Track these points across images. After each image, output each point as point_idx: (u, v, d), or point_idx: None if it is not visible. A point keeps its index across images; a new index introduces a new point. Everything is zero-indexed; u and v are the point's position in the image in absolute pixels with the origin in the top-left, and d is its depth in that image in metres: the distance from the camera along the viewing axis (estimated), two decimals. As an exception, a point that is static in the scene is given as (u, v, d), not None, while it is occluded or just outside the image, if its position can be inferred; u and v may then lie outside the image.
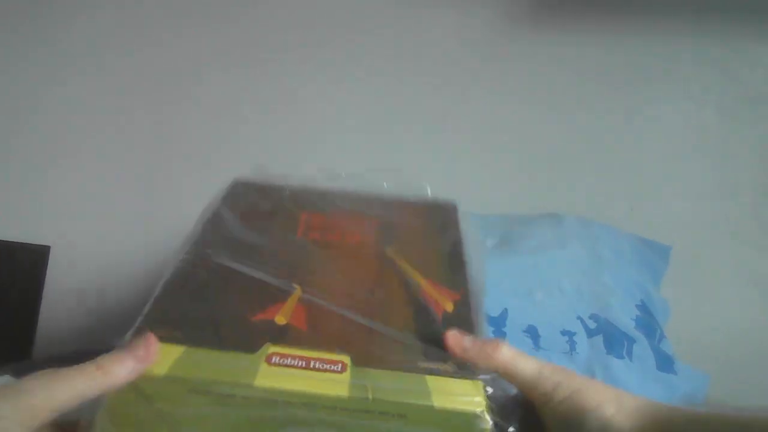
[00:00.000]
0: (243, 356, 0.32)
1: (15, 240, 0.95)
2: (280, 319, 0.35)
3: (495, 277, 0.64)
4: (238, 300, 0.36)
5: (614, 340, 0.58)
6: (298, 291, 0.37)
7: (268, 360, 0.32)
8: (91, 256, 0.96)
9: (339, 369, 0.32)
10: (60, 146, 0.96)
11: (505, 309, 0.60)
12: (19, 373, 0.51)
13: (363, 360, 0.33)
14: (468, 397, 0.32)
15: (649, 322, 0.64)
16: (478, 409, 0.31)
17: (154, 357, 0.31)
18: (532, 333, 0.58)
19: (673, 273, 0.78)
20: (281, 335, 0.34)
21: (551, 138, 0.91)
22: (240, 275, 0.39)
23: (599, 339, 0.58)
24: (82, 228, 0.96)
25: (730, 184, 0.90)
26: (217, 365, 0.32)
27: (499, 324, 0.59)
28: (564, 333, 0.58)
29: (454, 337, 0.34)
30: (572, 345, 0.57)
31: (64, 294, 0.96)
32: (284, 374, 0.32)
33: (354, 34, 0.90)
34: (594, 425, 0.30)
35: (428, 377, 0.32)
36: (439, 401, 0.31)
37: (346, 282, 0.40)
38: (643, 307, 0.66)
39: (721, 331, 0.89)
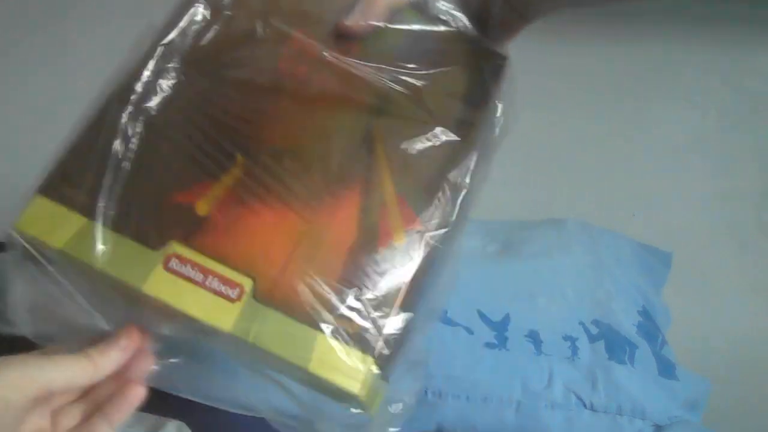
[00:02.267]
0: (142, 250, 0.30)
1: None
2: (201, 208, 0.31)
3: (497, 282, 0.64)
4: (165, 168, 0.32)
5: (616, 346, 0.58)
6: (236, 170, 0.32)
7: (166, 263, 0.30)
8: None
9: (234, 296, 0.30)
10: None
11: (507, 314, 0.60)
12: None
13: (265, 291, 0.30)
14: (348, 373, 0.29)
15: (650, 327, 0.64)
16: (352, 390, 0.29)
17: (136, 345, 0.32)
18: (534, 338, 0.58)
19: (674, 279, 0.78)
20: (194, 229, 0.31)
21: (553, 144, 0.91)
22: (178, 131, 0.32)
23: (601, 344, 0.58)
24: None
25: (732, 190, 0.90)
26: (112, 254, 0.30)
27: (500, 329, 0.59)
28: (566, 338, 0.58)
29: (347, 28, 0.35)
30: (574, 350, 0.58)
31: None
32: (175, 286, 0.30)
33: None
34: None
35: (319, 336, 0.30)
36: (317, 366, 0.29)
37: (302, 167, 0.33)
38: (645, 313, 0.66)
39: (723, 336, 0.89)
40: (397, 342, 0.31)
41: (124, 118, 0.32)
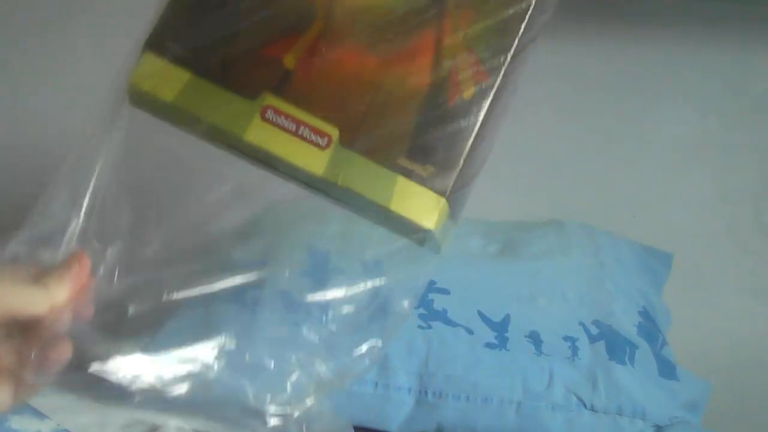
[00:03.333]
0: (242, 102, 0.33)
1: None
2: (289, 61, 0.34)
3: (497, 283, 0.64)
4: (253, 23, 0.34)
5: (616, 346, 0.58)
6: (318, 23, 0.34)
7: (263, 114, 0.33)
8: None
9: (324, 144, 0.33)
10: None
11: (508, 315, 0.60)
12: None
13: (350, 138, 0.33)
14: (425, 210, 0.33)
15: (651, 328, 0.64)
16: (427, 226, 0.33)
17: (86, 273, 0.33)
18: (535, 339, 0.58)
19: (674, 280, 0.78)
20: (284, 82, 0.34)
21: (554, 145, 0.91)
22: None
23: (601, 345, 0.58)
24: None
25: (732, 192, 0.91)
26: (216, 104, 0.33)
27: (501, 329, 0.59)
28: (566, 339, 0.59)
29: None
30: (574, 351, 0.58)
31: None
32: (272, 134, 0.33)
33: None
34: None
35: (399, 177, 0.33)
36: (396, 205, 0.33)
37: (377, 19, 0.34)
38: (645, 314, 0.66)
39: (723, 337, 0.89)
40: (464, 185, 0.35)
41: None
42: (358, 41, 0.34)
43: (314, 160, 0.33)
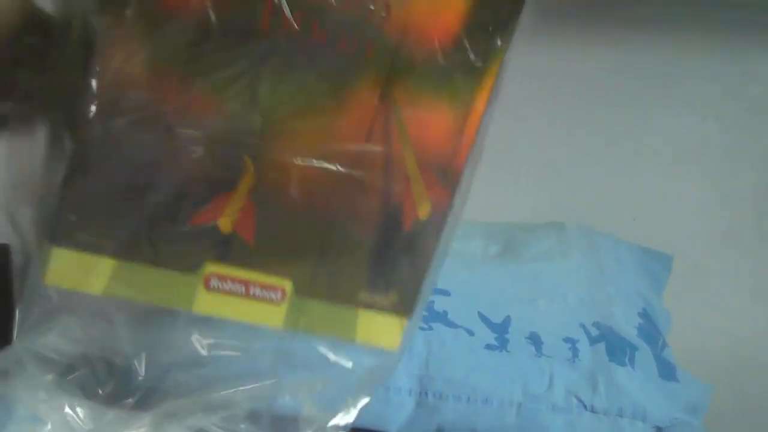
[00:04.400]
0: (180, 277, 0.30)
1: None
2: (224, 224, 0.30)
3: (497, 285, 0.64)
4: (172, 187, 0.29)
5: (616, 348, 0.58)
6: (248, 177, 0.29)
7: (207, 283, 0.31)
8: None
9: (278, 298, 0.32)
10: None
11: (508, 316, 0.60)
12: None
13: (305, 286, 0.32)
14: (390, 334, 0.34)
15: (651, 330, 0.64)
16: (394, 347, 0.34)
17: None
18: (535, 340, 0.58)
19: (675, 282, 0.79)
20: (224, 246, 0.30)
21: (554, 148, 0.92)
22: (169, 139, 0.28)
23: (601, 346, 0.58)
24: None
25: (732, 195, 0.91)
26: (153, 286, 0.30)
27: (501, 331, 0.59)
28: (566, 340, 0.59)
29: None
30: (575, 352, 0.58)
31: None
32: (221, 301, 0.31)
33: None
34: None
35: (361, 311, 0.33)
36: (362, 336, 0.33)
37: (319, 151, 0.30)
38: (645, 316, 0.66)
39: (723, 340, 0.89)
40: (422, 297, 0.35)
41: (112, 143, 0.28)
42: (298, 184, 0.30)
43: (271, 316, 0.32)
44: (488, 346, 0.57)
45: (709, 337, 0.88)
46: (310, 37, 0.27)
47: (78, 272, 0.29)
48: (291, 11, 0.26)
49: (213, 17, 0.25)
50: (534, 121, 0.92)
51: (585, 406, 0.55)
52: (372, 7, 0.27)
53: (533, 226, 0.76)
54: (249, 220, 0.30)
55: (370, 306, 0.33)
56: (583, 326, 0.60)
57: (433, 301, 0.60)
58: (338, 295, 0.33)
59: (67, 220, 0.29)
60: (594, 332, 0.60)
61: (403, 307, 0.34)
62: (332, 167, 0.30)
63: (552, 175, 0.92)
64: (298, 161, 0.30)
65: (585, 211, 0.88)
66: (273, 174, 0.30)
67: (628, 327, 0.62)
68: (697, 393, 0.60)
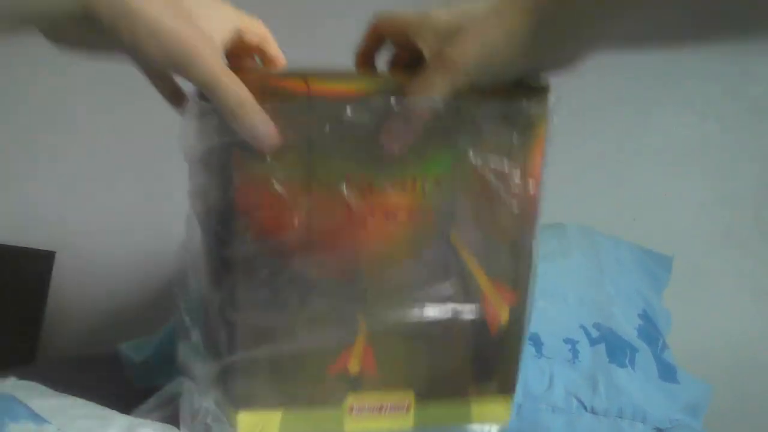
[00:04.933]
0: (331, 411, 0.39)
1: (20, 245, 0.96)
2: (353, 367, 0.39)
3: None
4: (308, 349, 0.38)
5: (616, 349, 0.58)
6: (362, 329, 0.38)
7: (350, 411, 0.39)
8: (96, 262, 0.97)
9: (405, 408, 0.40)
10: (66, 151, 0.96)
11: (508, 317, 0.60)
12: (24, 376, 0.51)
13: (424, 393, 0.40)
14: (500, 411, 0.41)
15: (651, 331, 0.64)
16: (505, 421, 0.41)
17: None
18: (535, 341, 0.58)
19: (675, 283, 0.79)
20: (356, 380, 0.39)
21: (554, 148, 0.91)
22: (297, 311, 0.37)
23: (601, 347, 0.58)
24: (87, 234, 0.97)
25: (732, 195, 0.91)
26: (312, 422, 0.39)
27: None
28: (566, 341, 0.59)
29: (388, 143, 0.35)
30: (575, 353, 0.58)
31: (69, 300, 0.96)
32: (363, 420, 0.40)
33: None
34: None
35: (473, 401, 0.40)
36: (477, 419, 0.41)
37: (409, 297, 0.38)
38: (645, 317, 0.66)
39: (723, 340, 0.89)
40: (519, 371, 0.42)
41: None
42: (399, 321, 0.38)
43: (402, 422, 0.40)
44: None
45: (709, 337, 0.88)
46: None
47: (258, 426, 0.39)
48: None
49: None
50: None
51: (585, 407, 0.55)
52: None
53: (533, 226, 0.76)
54: (369, 359, 0.39)
55: (479, 393, 0.40)
56: (583, 327, 0.60)
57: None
58: (452, 393, 0.40)
59: (243, 387, 0.38)
60: (594, 333, 0.60)
61: (506, 387, 0.41)
62: (424, 311, 0.38)
63: (552, 176, 0.92)
64: (398, 314, 0.38)
65: (585, 212, 0.88)
66: (380, 325, 0.38)
67: (628, 328, 0.62)
68: (697, 394, 0.60)
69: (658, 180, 0.92)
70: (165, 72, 0.37)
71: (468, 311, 0.39)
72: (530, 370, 0.56)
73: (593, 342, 0.59)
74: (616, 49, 0.35)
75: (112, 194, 0.96)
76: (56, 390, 0.52)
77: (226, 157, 0.34)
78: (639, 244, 0.79)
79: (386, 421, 0.40)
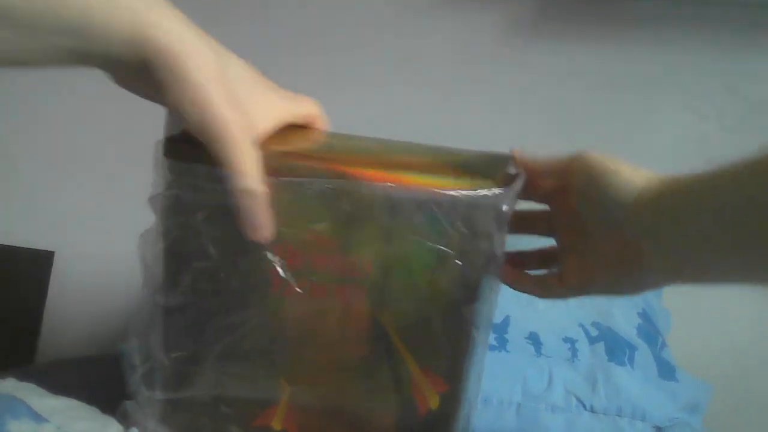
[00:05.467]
0: None
1: (19, 245, 0.96)
2: (276, 425, 0.39)
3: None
4: (235, 400, 0.39)
5: (616, 348, 0.58)
6: (287, 392, 0.39)
7: None
8: (95, 261, 0.97)
9: None
10: (65, 151, 0.96)
11: (507, 316, 0.60)
12: (23, 377, 0.51)
13: None
14: None
15: (650, 330, 0.64)
16: None
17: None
18: (534, 340, 0.58)
19: (674, 282, 0.78)
20: None
21: (552, 147, 0.91)
22: (225, 372, 0.38)
23: (601, 346, 0.58)
24: (86, 233, 0.97)
25: (732, 195, 0.90)
26: None
27: (501, 331, 0.59)
28: (566, 340, 0.59)
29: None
30: (574, 352, 0.58)
31: (68, 299, 0.96)
32: None
33: (355, 42, 0.91)
34: (614, 181, 0.35)
35: None
36: None
37: (333, 370, 0.39)
38: (645, 316, 0.66)
39: (723, 340, 0.89)
40: None
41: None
42: (325, 392, 0.39)
43: None
44: (488, 347, 0.57)
45: (710, 337, 0.88)
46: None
47: None
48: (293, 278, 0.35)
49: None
50: (532, 121, 0.92)
51: (584, 406, 0.55)
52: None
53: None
54: (292, 418, 0.39)
55: None
56: (582, 326, 0.60)
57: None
58: None
59: (172, 423, 0.40)
60: (593, 332, 0.60)
61: None
62: (350, 379, 0.38)
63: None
64: (321, 388, 0.39)
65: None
66: (303, 388, 0.39)
67: (627, 327, 0.62)
68: (696, 392, 0.60)
69: (657, 179, 0.92)
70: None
71: (395, 393, 0.38)
72: (529, 370, 0.56)
73: (592, 341, 0.59)
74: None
75: (112, 194, 0.96)
76: (56, 390, 0.52)
77: (169, 205, 0.35)
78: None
79: None
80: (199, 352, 0.38)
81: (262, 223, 0.33)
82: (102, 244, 0.97)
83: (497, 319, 0.60)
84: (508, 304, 0.61)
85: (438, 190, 0.33)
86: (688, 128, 0.90)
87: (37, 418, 0.49)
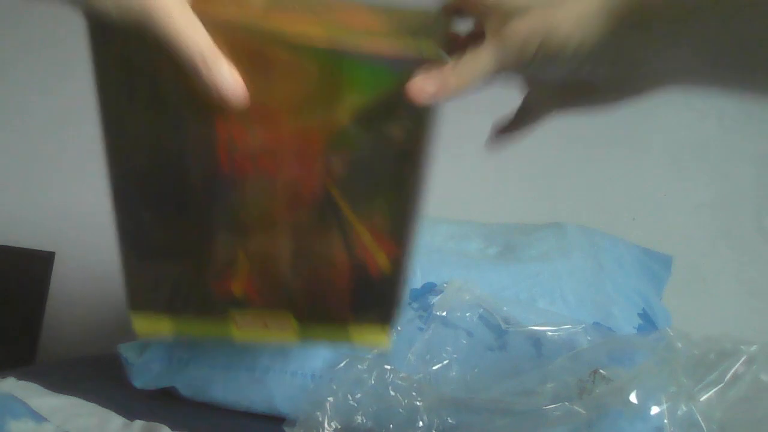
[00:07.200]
0: (217, 320, 0.44)
1: (20, 246, 0.96)
2: (237, 290, 0.43)
3: (498, 286, 0.64)
4: (195, 264, 0.42)
5: (616, 348, 0.58)
6: (244, 262, 0.41)
7: (236, 323, 0.44)
8: (95, 261, 0.97)
9: (288, 325, 0.44)
10: (65, 152, 0.96)
11: (507, 317, 0.60)
12: (23, 377, 0.51)
13: (303, 316, 0.44)
14: (377, 339, 0.45)
15: (650, 330, 0.64)
16: (385, 346, 0.46)
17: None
18: (535, 341, 0.58)
19: (674, 282, 0.79)
20: (241, 302, 0.43)
21: (554, 148, 0.92)
22: (184, 231, 0.40)
23: (601, 346, 0.58)
24: (86, 234, 0.97)
25: (731, 195, 0.91)
26: (202, 327, 0.44)
27: (501, 331, 0.59)
28: (566, 340, 0.58)
29: (416, 91, 0.33)
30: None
31: (69, 300, 0.97)
32: (249, 332, 0.45)
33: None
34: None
35: (351, 325, 0.44)
36: (356, 340, 0.45)
37: (287, 238, 0.40)
38: (645, 316, 0.66)
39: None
40: (400, 307, 0.45)
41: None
42: (279, 254, 0.41)
43: (286, 336, 0.45)
44: (488, 347, 0.57)
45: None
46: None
47: (154, 326, 0.45)
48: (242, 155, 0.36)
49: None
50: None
51: (584, 406, 0.55)
52: None
53: (533, 226, 0.76)
54: (252, 285, 0.42)
55: (357, 321, 0.44)
56: (582, 326, 0.60)
57: (433, 303, 0.60)
58: (330, 318, 0.44)
59: (135, 294, 0.43)
60: (594, 332, 0.60)
61: (384, 318, 0.44)
62: (304, 247, 0.41)
63: (551, 176, 0.93)
64: (276, 251, 0.41)
65: (584, 212, 0.89)
66: (260, 258, 0.41)
67: (627, 327, 0.62)
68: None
69: (657, 180, 0.92)
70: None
71: (347, 255, 0.41)
72: (529, 369, 0.56)
73: (592, 341, 0.59)
74: (684, 82, 0.33)
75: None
76: (56, 390, 0.52)
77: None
78: (638, 244, 0.79)
79: (270, 334, 0.44)
80: (159, 218, 0.40)
81: (226, 85, 0.31)
82: (102, 244, 0.97)
83: (497, 319, 0.60)
84: (508, 304, 0.61)
85: (380, 49, 0.34)
86: (688, 128, 0.91)
87: (37, 417, 0.49)
